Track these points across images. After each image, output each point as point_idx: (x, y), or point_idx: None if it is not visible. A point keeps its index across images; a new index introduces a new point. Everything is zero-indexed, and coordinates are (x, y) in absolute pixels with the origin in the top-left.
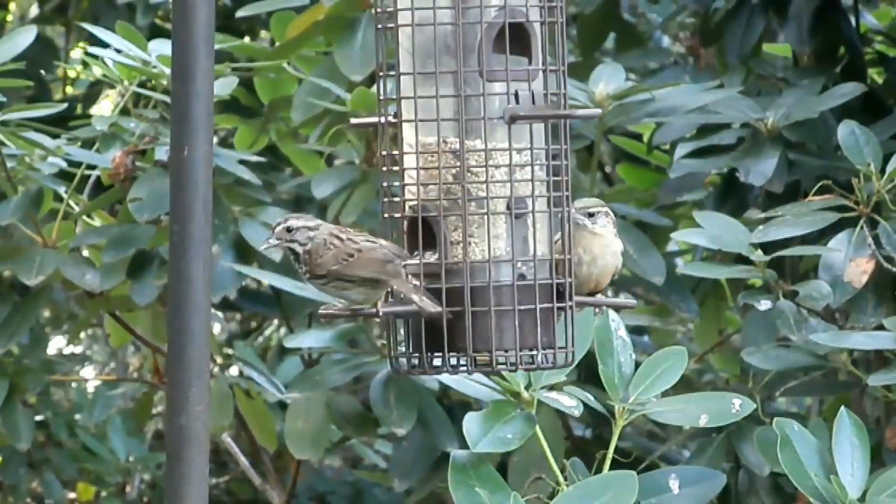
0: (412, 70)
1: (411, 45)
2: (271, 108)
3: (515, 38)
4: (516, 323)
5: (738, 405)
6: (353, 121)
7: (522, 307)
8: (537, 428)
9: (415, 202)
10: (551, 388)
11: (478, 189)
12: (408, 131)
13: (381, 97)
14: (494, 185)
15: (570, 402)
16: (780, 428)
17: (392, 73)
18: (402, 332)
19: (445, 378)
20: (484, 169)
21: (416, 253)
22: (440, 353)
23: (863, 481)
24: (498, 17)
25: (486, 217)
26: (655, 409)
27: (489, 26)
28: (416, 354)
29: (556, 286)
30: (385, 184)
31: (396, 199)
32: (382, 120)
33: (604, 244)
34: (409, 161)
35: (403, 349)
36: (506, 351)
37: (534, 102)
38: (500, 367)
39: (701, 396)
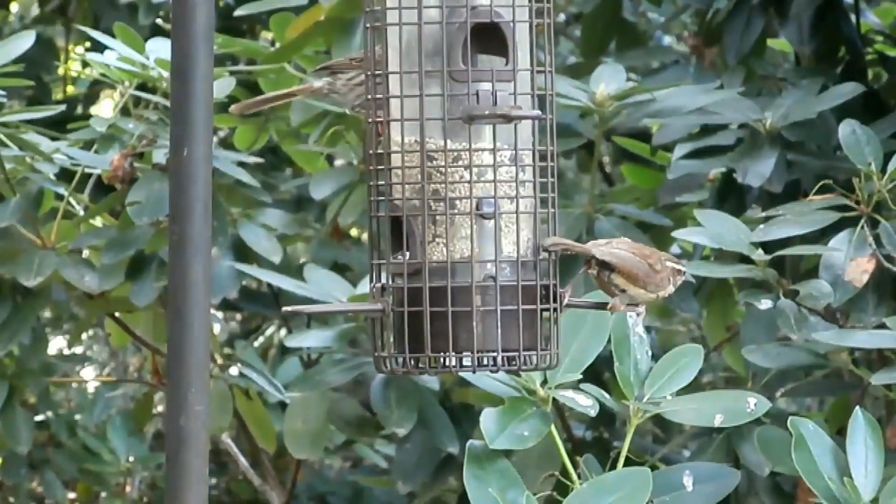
0: (398, 69)
1: (398, 44)
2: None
3: (492, 38)
4: (475, 324)
5: (754, 404)
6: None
7: (483, 308)
8: (553, 427)
9: (398, 201)
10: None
11: (444, 189)
12: (394, 130)
13: (369, 96)
14: (461, 185)
15: (585, 401)
16: (795, 427)
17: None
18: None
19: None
20: (452, 168)
21: (398, 253)
22: (419, 353)
23: (876, 482)
24: (467, 17)
25: (450, 217)
26: (671, 409)
27: (458, 27)
28: (400, 354)
29: (546, 288)
30: (371, 183)
31: (382, 198)
32: (370, 120)
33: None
34: (392, 160)
35: (387, 349)
36: (461, 353)
37: (495, 103)
38: (464, 368)
39: (716, 395)
